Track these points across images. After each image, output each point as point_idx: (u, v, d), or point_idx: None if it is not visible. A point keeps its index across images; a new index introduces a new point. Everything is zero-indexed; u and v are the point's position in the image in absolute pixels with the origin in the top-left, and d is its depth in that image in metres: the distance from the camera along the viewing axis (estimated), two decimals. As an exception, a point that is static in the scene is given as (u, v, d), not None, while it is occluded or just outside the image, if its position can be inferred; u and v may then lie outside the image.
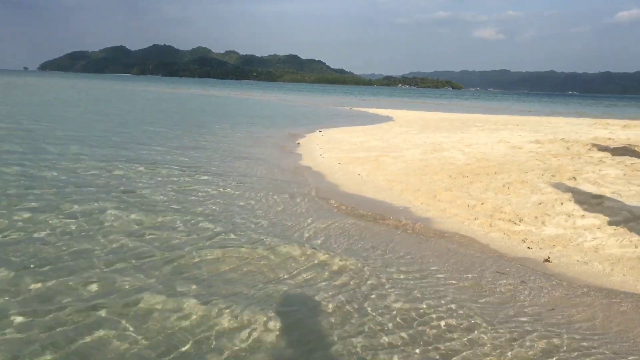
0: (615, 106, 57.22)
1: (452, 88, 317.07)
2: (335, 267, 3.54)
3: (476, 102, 56.78)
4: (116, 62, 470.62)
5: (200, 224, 4.32)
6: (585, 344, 2.62)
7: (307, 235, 4.28)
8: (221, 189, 5.80)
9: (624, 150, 8.77)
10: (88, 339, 2.45)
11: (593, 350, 2.56)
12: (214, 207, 4.99)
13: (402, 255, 3.90)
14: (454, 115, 22.62)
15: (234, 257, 3.61)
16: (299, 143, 10.82)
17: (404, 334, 2.64)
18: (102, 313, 2.67)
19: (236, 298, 2.95)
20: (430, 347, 2.54)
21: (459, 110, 31.43)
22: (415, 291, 3.19)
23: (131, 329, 2.55)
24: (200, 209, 4.88)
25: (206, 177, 6.40)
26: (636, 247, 4.00)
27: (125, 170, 6.42)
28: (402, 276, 3.45)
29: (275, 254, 3.69)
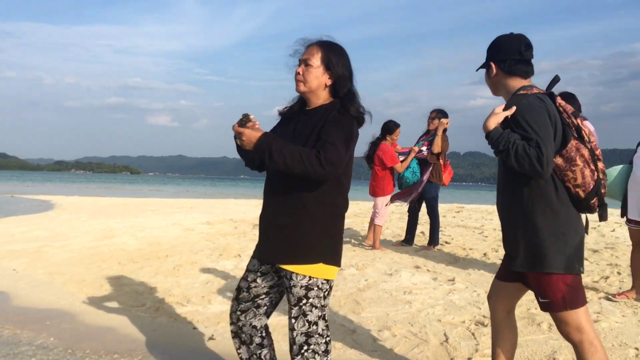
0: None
1: (131, 173, 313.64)
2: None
3: (154, 186, 57.13)
4: None
5: None
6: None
7: None
8: None
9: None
10: None
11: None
12: None
13: None
14: (130, 200, 22.18)
15: None
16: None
17: None
18: None
19: None
20: None
21: (136, 194, 31.03)
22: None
23: None
24: None
25: None
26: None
27: None
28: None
29: None
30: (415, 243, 7.96)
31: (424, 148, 7.42)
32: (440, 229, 8.30)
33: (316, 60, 2.43)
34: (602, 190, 2.41)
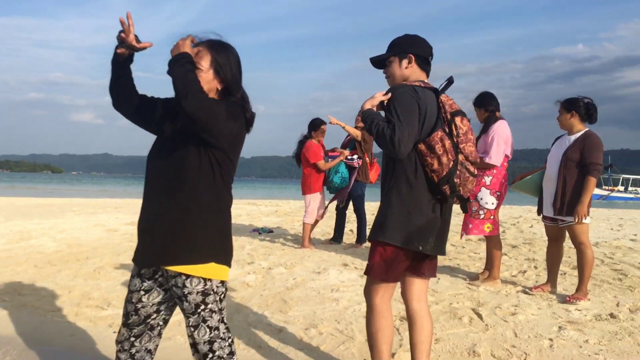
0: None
1: (53, 172, 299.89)
2: None
3: (77, 186, 54.90)
4: None
5: None
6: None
7: None
8: None
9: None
10: None
11: None
12: None
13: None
14: (51, 200, 21.16)
15: None
16: None
17: None
18: None
19: None
20: None
21: (57, 194, 29.66)
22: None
23: None
24: None
25: None
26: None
27: None
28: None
29: None
30: (344, 241, 8.03)
31: (355, 157, 7.48)
32: (367, 227, 8.41)
33: (205, 63, 2.28)
34: (456, 180, 2.62)
